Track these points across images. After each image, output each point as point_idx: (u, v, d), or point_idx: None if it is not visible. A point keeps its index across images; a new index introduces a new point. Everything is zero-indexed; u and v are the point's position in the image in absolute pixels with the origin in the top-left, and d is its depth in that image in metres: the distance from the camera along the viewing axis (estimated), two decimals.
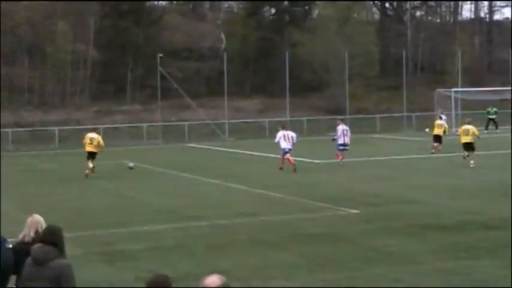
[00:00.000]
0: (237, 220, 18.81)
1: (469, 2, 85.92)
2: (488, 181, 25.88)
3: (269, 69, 68.01)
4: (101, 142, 30.09)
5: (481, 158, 33.83)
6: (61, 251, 7.96)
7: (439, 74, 73.32)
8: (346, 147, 33.68)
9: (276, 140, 31.71)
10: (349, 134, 34.23)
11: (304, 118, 57.81)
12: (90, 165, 29.61)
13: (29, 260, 7.90)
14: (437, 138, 38.15)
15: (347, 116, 58.52)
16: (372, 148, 42.53)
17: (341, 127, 34.20)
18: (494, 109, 54.84)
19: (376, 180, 26.92)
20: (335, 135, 34.44)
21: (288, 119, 57.48)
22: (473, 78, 70.75)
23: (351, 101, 61.89)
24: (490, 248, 14.86)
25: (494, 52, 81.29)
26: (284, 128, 32.70)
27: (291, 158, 30.86)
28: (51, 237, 7.98)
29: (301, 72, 64.59)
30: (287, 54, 59.58)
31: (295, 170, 29.98)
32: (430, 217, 18.58)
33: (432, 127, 39.98)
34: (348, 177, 28.00)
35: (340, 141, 33.70)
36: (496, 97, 61.27)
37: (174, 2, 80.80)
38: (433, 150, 37.46)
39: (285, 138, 31.34)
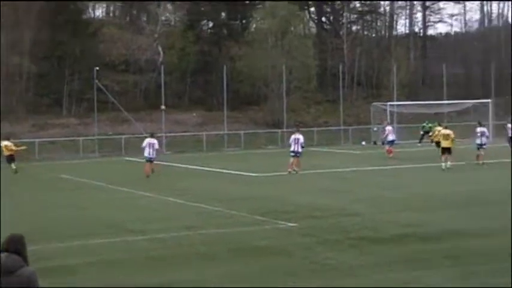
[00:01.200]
0: (175, 234, 18.65)
1: (403, 17, 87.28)
2: (426, 194, 26.15)
3: (207, 83, 68.01)
4: (14, 147, 36.17)
5: (417, 171, 34.37)
6: (25, 259, 7.95)
7: (375, 87, 74.21)
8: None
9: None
10: (301, 141, 35.68)
11: (242, 131, 57.83)
12: (13, 167, 34.99)
13: None
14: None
15: (285, 130, 58.83)
16: (310, 161, 42.64)
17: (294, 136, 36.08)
18: (430, 124, 55.44)
19: (315, 193, 26.99)
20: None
21: (226, 132, 57.49)
22: (408, 92, 71.77)
23: (289, 115, 62.20)
24: (427, 260, 14.99)
25: (429, 66, 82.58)
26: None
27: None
28: (15, 246, 7.98)
29: (240, 86, 64.74)
30: (225, 67, 59.61)
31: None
32: (369, 230, 18.68)
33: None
34: (286, 191, 28.02)
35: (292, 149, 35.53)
36: (431, 111, 62.18)
37: (111, 14, 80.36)
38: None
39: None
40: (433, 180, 30.96)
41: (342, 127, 60.68)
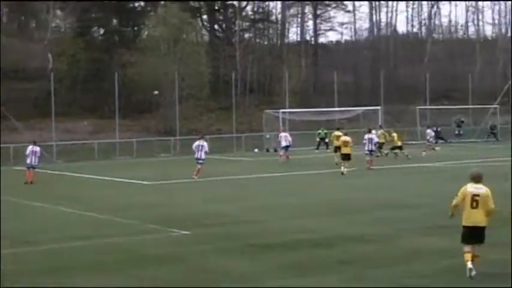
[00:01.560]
0: (70, 244, 18.26)
1: (295, 25, 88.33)
2: (322, 199, 26.43)
3: (99, 90, 67.09)
4: None
5: (311, 177, 34.76)
6: None
7: (267, 95, 74.81)
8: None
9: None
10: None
11: (135, 139, 57.29)
12: None
13: None
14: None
15: (178, 137, 58.61)
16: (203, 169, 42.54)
17: None
18: (325, 131, 56.29)
19: (208, 200, 26.95)
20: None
21: (118, 140, 56.86)
22: (300, 100, 72.58)
23: (182, 122, 61.99)
24: (319, 265, 15.12)
25: (320, 74, 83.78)
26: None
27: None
28: None
29: (132, 93, 64.15)
30: (116, 74, 58.96)
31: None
32: (263, 236, 18.73)
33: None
34: (179, 199, 27.87)
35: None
36: (322, 118, 63.07)
37: None
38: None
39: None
40: (327, 186, 31.37)
41: (235, 134, 60.84)
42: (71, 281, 14.39)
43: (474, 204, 13.78)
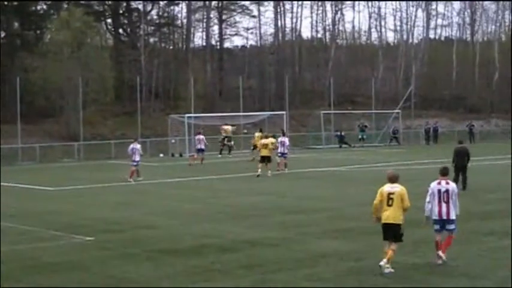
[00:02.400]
0: None
1: (200, 30, 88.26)
2: (225, 204, 26.47)
3: (0, 95, 65.64)
4: None
5: (218, 182, 34.78)
6: None
7: (172, 99, 74.54)
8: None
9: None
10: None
11: (37, 145, 56.30)
12: None
13: None
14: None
15: (81, 142, 57.88)
16: (107, 174, 42.18)
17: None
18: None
19: (113, 206, 26.70)
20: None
21: (20, 145, 55.78)
22: (205, 104, 72.67)
23: (86, 127, 61.26)
24: (224, 270, 15.14)
25: (225, 79, 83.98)
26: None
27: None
28: None
29: (34, 98, 62.94)
30: (18, 79, 57.81)
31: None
32: (167, 242, 18.66)
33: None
34: (83, 205, 27.51)
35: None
36: (228, 122, 63.20)
37: None
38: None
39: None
40: (229, 191, 31.41)
41: (140, 139, 60.36)
42: None
43: (390, 202, 14.69)
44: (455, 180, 29.47)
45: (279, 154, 40.01)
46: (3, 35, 73.73)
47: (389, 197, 14.70)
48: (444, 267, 14.89)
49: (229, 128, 56.82)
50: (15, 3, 72.37)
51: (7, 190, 34.14)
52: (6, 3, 71.91)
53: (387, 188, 14.88)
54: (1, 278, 14.93)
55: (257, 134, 46.75)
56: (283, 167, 39.52)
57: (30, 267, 15.94)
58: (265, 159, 37.61)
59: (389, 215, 14.69)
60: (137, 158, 36.87)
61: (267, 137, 39.61)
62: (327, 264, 15.39)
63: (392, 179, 15.11)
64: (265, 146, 38.02)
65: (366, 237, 18.45)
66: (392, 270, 14.28)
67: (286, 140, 41.14)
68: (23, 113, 58.51)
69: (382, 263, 14.30)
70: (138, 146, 37.86)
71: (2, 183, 36.27)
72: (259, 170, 36.90)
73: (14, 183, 36.66)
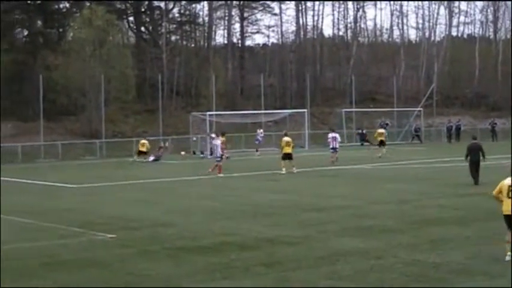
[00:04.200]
0: None
1: (222, 28, 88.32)
2: (244, 202, 26.50)
3: (22, 93, 66.06)
4: None
5: (233, 180, 34.81)
6: None
7: (194, 97, 74.62)
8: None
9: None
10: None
11: (60, 142, 56.60)
12: None
13: None
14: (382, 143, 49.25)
15: (103, 140, 58.12)
16: (129, 172, 42.35)
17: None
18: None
19: (134, 204, 26.79)
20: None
21: (42, 143, 56.11)
22: (226, 102, 72.73)
23: (107, 125, 61.51)
24: (244, 267, 15.16)
25: (246, 77, 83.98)
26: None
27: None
28: None
29: (56, 96, 63.27)
30: (41, 77, 58.15)
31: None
32: (187, 239, 18.70)
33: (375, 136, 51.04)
34: (104, 202, 27.65)
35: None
36: (249, 120, 63.31)
37: None
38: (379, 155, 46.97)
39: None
40: (248, 189, 31.42)
41: (161, 137, 60.58)
42: None
43: (510, 194, 15.35)
44: (473, 176, 29.78)
45: (331, 150, 43.88)
46: (26, 33, 74.20)
47: (510, 189, 15.36)
48: (463, 266, 14.84)
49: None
50: (38, 1, 72.78)
51: (29, 187, 34.42)
52: (29, 1, 72.42)
53: (507, 181, 15.49)
54: (23, 274, 15.06)
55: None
56: (335, 160, 43.11)
57: (51, 264, 16.04)
58: (287, 157, 38.15)
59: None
60: (219, 153, 38.04)
61: (286, 135, 39.94)
62: (347, 262, 15.37)
63: None
64: (288, 143, 38.59)
65: (385, 235, 18.42)
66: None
67: (337, 135, 45.27)
68: (45, 110, 58.89)
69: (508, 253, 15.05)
70: (218, 142, 38.58)
71: (24, 180, 36.59)
72: (284, 169, 37.24)
73: (35, 181, 36.88)
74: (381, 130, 51.90)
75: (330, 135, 45.22)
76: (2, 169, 40.50)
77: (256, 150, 55.15)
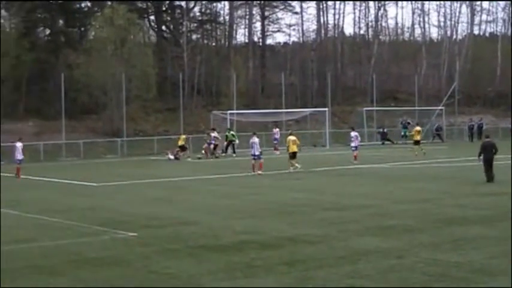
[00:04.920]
0: (13, 247, 18.07)
1: (243, 27, 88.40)
2: (265, 201, 26.54)
3: (44, 91, 66.44)
4: None
5: (251, 179, 34.83)
6: None
7: (215, 96, 74.73)
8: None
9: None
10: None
11: (81, 141, 56.89)
12: None
13: None
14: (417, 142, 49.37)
15: (124, 139, 58.34)
16: (150, 170, 42.51)
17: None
18: (232, 132, 55.14)
19: (155, 202, 26.90)
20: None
21: (64, 141, 56.39)
22: (247, 101, 72.77)
23: (129, 123, 61.72)
24: (266, 266, 15.19)
25: (267, 75, 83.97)
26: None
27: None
28: None
29: (78, 94, 63.56)
30: (62, 76, 58.45)
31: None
32: (208, 238, 18.75)
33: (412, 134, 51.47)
34: (126, 200, 27.77)
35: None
36: (269, 119, 63.32)
37: None
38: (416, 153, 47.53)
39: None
40: (267, 187, 31.45)
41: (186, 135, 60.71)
42: (16, 284, 14.25)
43: None
44: (486, 174, 30.28)
45: (353, 148, 44.87)
46: (48, 32, 74.56)
47: None
48: (485, 265, 14.80)
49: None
50: (60, 1, 73.15)
51: (52, 185, 34.63)
52: (51, 1, 72.80)
53: None
54: (46, 271, 15.17)
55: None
56: (357, 158, 43.91)
57: (74, 262, 16.14)
58: (295, 155, 39.10)
59: None
60: (257, 151, 38.18)
61: (291, 134, 40.69)
62: (368, 262, 15.36)
63: None
64: (294, 141, 39.35)
65: (407, 235, 18.40)
66: None
67: (357, 134, 46.60)
68: (67, 109, 59.20)
69: None
70: (257, 140, 38.94)
71: (47, 179, 36.83)
72: (291, 167, 38.13)
73: (57, 179, 37.10)
74: (418, 128, 51.44)
75: (353, 133, 46.13)
76: (24, 167, 40.70)
77: (276, 149, 55.19)
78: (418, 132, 50.04)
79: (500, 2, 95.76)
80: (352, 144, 45.28)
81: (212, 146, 53.17)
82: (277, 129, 58.31)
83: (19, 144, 40.34)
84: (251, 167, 38.12)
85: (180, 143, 52.53)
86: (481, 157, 31.23)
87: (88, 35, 74.05)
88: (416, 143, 49.05)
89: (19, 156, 39.87)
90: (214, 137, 53.55)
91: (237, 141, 54.50)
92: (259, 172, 37.18)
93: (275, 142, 56.92)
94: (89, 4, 77.95)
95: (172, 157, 51.23)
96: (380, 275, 14.14)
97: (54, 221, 22.46)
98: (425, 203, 24.67)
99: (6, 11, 71.00)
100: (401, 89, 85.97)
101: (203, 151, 52.90)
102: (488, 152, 30.89)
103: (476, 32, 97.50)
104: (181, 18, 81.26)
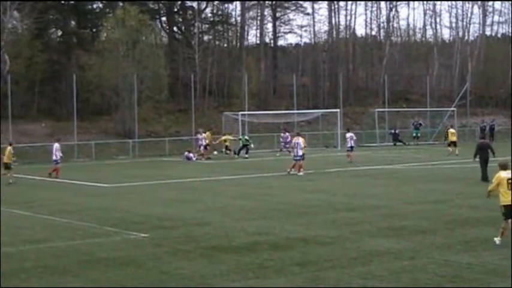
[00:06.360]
0: (24, 247, 18.14)
1: (254, 28, 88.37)
2: (277, 202, 26.52)
3: (56, 92, 66.60)
4: None
5: (268, 180, 34.82)
6: None
7: (226, 97, 74.73)
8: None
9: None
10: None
11: (93, 142, 57.00)
12: None
13: None
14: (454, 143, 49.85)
15: (136, 140, 58.42)
16: (162, 171, 42.56)
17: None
18: (246, 137, 54.87)
19: (167, 203, 26.92)
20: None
21: (76, 142, 56.51)
22: (259, 102, 72.76)
23: (140, 124, 61.78)
24: (277, 267, 15.19)
25: (279, 76, 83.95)
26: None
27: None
28: None
29: (90, 95, 63.68)
30: (74, 77, 58.60)
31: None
32: (220, 238, 18.77)
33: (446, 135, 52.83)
34: (137, 201, 27.80)
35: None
36: (281, 120, 63.28)
37: None
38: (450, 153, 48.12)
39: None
40: (279, 188, 31.44)
41: (194, 137, 60.76)
42: (28, 284, 14.29)
43: (510, 186, 16.79)
44: (483, 174, 30.73)
45: (348, 149, 45.31)
46: (60, 33, 74.74)
47: (509, 182, 16.78)
48: (498, 267, 14.75)
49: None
50: (72, 2, 73.34)
51: (64, 186, 34.71)
52: (63, 2, 72.99)
53: (504, 174, 16.97)
54: (58, 272, 15.21)
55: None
56: (351, 159, 44.47)
57: (86, 262, 16.18)
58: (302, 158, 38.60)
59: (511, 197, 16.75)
60: (300, 152, 37.70)
61: (299, 135, 40.46)
62: (381, 263, 15.34)
63: (505, 167, 17.15)
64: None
65: (419, 236, 18.37)
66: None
67: (353, 135, 46.81)
68: (79, 110, 59.32)
69: (498, 238, 16.83)
70: (300, 140, 38.46)
71: (59, 180, 36.92)
72: (293, 170, 37.73)
73: (69, 180, 37.18)
74: (452, 130, 52.08)
75: (348, 134, 46.55)
76: (36, 168, 40.80)
77: (289, 152, 54.94)
78: (453, 134, 50.72)
79: None
80: (348, 145, 45.64)
81: (202, 147, 53.15)
82: (287, 134, 56.44)
83: (57, 145, 40.39)
84: (291, 166, 37.91)
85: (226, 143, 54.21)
86: (477, 158, 32.50)
87: (100, 36, 74.13)
88: (453, 144, 49.64)
89: (58, 155, 39.81)
90: (202, 138, 53.60)
91: (252, 146, 53.99)
92: (299, 173, 36.93)
93: (287, 146, 55.61)
94: (100, 5, 78.12)
95: (195, 158, 51.20)
96: (392, 276, 14.13)
97: (65, 221, 22.51)
98: (438, 204, 24.63)
99: (19, 12, 71.20)
100: (413, 90, 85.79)
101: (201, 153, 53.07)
102: (484, 153, 32.25)
103: (488, 32, 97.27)
104: (193, 19, 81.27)
